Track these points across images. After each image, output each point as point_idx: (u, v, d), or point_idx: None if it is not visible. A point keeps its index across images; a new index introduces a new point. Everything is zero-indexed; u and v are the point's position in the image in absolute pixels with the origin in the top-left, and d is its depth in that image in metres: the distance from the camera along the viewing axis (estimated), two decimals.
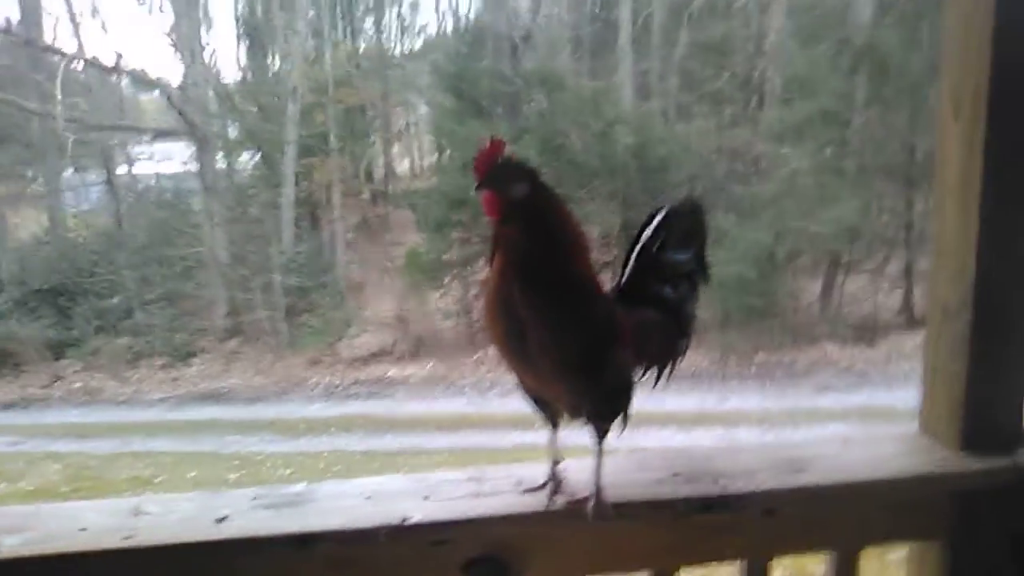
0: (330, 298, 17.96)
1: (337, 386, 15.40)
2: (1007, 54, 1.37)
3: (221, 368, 16.55)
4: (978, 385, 1.49)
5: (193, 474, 11.32)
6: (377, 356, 16.36)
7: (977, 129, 1.42)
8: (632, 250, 1.47)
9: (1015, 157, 1.43)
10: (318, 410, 14.25)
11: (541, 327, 1.24)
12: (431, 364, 15.75)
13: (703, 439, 11.21)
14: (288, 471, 11.44)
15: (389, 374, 15.68)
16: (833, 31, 16.44)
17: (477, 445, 11.75)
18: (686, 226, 1.49)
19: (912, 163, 15.27)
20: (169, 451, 12.39)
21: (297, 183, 19.15)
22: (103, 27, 21.90)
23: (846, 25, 16.67)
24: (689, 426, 11.73)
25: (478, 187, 1.25)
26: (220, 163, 20.24)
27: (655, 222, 1.46)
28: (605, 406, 1.34)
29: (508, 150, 1.27)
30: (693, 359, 14.09)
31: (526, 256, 1.24)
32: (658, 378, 1.49)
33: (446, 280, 17.17)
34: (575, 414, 1.36)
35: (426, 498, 1.36)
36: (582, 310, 1.27)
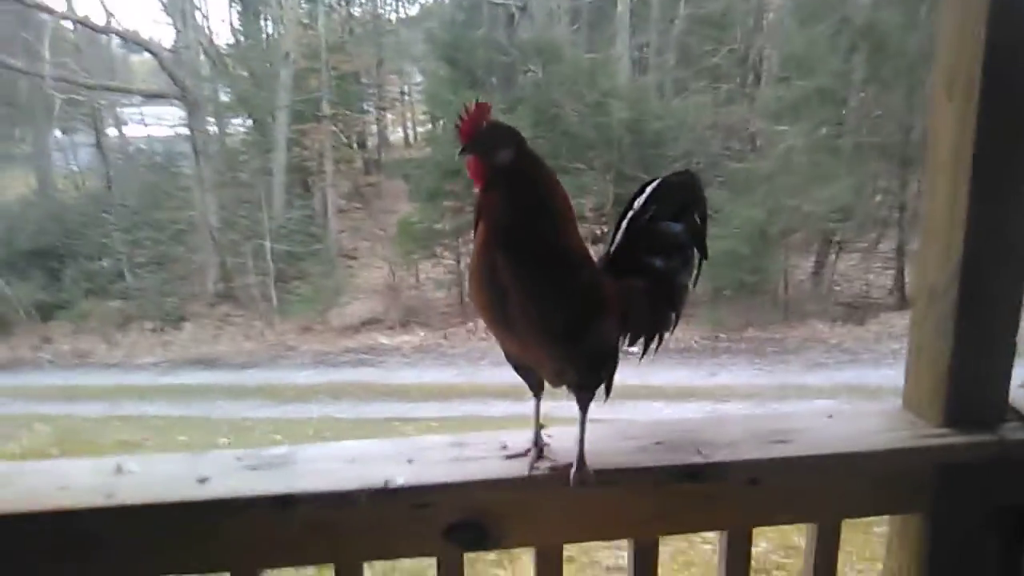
0: (321, 265, 17.92)
1: (327, 353, 15.40)
2: (1001, 36, 1.36)
3: (212, 333, 16.53)
4: (962, 362, 1.50)
5: (183, 438, 11.35)
6: (368, 324, 16.37)
7: (970, 109, 1.41)
8: (623, 218, 1.45)
9: (1007, 138, 1.42)
10: (308, 377, 14.26)
11: (523, 295, 1.23)
12: (422, 333, 15.77)
13: (691, 413, 11.29)
14: (277, 436, 11.49)
15: (380, 342, 15.69)
16: (832, 10, 16.34)
17: (467, 414, 11.81)
18: (681, 198, 1.47)
19: (908, 143, 15.27)
20: (159, 415, 12.40)
21: (289, 149, 19.01)
22: None
23: (846, 4, 16.57)
24: (678, 400, 11.81)
25: (462, 151, 1.24)
26: (211, 127, 20.04)
27: (647, 191, 1.44)
28: (588, 374, 1.34)
29: (494, 114, 1.25)
30: (684, 333, 14.25)
31: (509, 223, 1.23)
32: (645, 350, 1.49)
33: (438, 250, 17.14)
34: (558, 381, 1.36)
35: (409, 462, 1.36)
36: (565, 278, 1.27)
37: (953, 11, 1.44)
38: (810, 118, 14.67)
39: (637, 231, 1.44)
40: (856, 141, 15.90)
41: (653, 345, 1.50)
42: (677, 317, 1.51)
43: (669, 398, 11.80)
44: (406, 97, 26.38)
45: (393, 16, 27.07)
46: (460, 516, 1.36)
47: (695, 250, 1.50)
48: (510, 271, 1.22)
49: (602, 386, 1.37)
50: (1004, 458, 1.49)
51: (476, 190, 1.28)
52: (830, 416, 1.61)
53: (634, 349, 1.47)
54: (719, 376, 13.16)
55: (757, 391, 12.44)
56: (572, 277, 1.28)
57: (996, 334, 1.52)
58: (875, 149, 15.92)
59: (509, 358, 1.39)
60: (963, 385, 1.51)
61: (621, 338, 1.41)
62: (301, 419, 12.14)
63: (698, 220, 1.50)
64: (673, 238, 1.46)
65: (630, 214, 1.44)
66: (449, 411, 12.12)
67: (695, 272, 1.52)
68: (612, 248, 1.45)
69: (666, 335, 1.51)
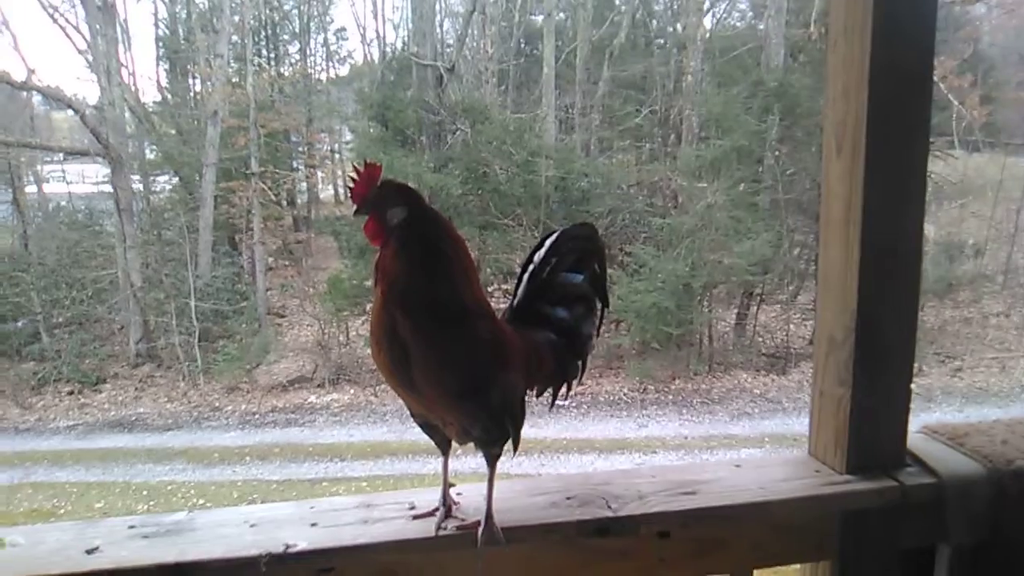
0: (248, 324, 17.52)
1: (254, 414, 14.98)
2: (882, 95, 1.45)
3: (133, 395, 15.93)
4: (862, 409, 1.55)
5: (99, 505, 10.89)
6: (296, 383, 16.02)
7: (857, 165, 1.48)
8: (524, 271, 1.47)
9: (892, 192, 1.49)
10: (234, 438, 13.84)
11: (423, 353, 1.22)
12: (352, 391, 15.50)
13: (622, 465, 11.33)
14: (201, 501, 11.08)
15: (309, 401, 15.35)
16: (746, 74, 17.14)
17: (399, 472, 11.62)
18: (580, 249, 1.50)
19: (820, 198, 15.88)
20: (75, 481, 11.92)
21: (216, 207, 18.72)
22: (14, 42, 20.91)
23: (759, 68, 17.41)
24: (608, 452, 11.85)
25: (356, 212, 1.24)
26: (136, 184, 19.61)
27: (547, 244, 1.47)
28: (492, 430, 1.33)
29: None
30: (613, 386, 14.36)
31: (405, 281, 1.23)
32: (553, 400, 1.49)
33: (368, 307, 16.91)
34: (464, 439, 1.35)
35: (313, 525, 1.32)
36: (464, 334, 1.26)
37: (838, 74, 1.53)
38: (729, 176, 15.20)
39: (539, 283, 1.46)
40: (773, 197, 16.54)
41: (562, 392, 1.50)
42: (584, 365, 1.52)
43: (600, 450, 11.84)
44: (336, 155, 26.37)
45: (323, 76, 27.25)
46: None
47: (597, 300, 1.52)
48: (408, 329, 1.22)
49: (507, 441, 1.35)
50: (906, 502, 1.52)
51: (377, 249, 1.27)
52: (738, 465, 1.63)
53: (541, 400, 1.47)
54: (648, 428, 13.28)
55: (685, 442, 12.58)
56: (471, 332, 1.27)
57: (892, 381, 1.57)
58: (791, 204, 16.58)
59: (415, 417, 1.38)
60: (864, 432, 1.56)
61: (528, 390, 1.40)
62: (226, 482, 11.77)
63: (598, 270, 1.52)
64: (575, 288, 1.49)
65: (531, 267, 1.46)
66: (380, 470, 11.91)
67: (598, 321, 1.53)
68: (515, 301, 1.46)
69: (575, 383, 1.52)
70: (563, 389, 1.51)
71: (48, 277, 17.87)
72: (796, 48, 17.83)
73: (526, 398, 1.40)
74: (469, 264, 1.32)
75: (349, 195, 1.24)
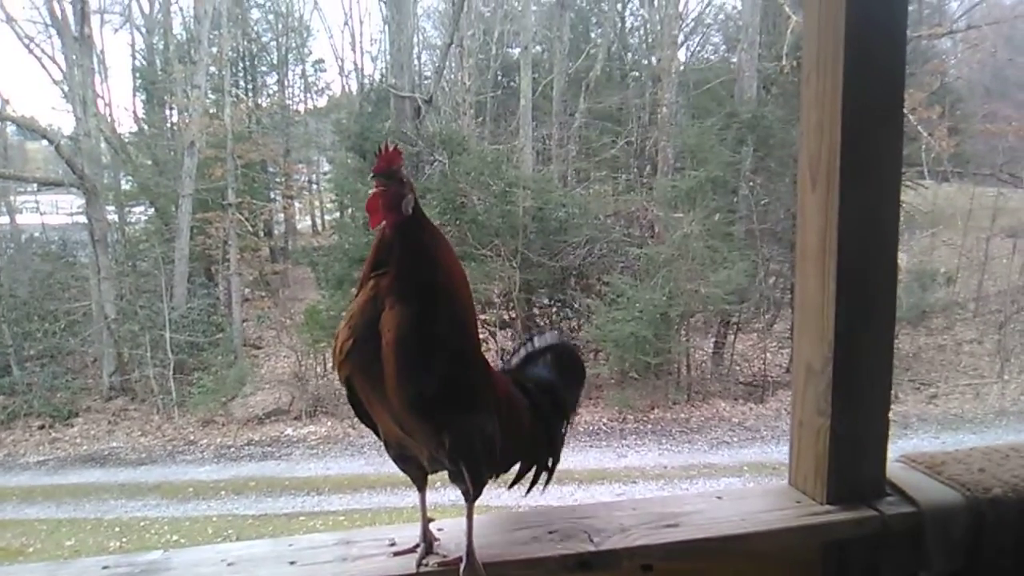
0: (223, 356, 17.31)
1: (230, 447, 14.76)
2: (854, 128, 1.48)
3: (105, 428, 15.64)
4: (841, 440, 1.55)
5: (69, 543, 10.65)
6: (273, 416, 15.82)
7: (832, 198, 1.50)
8: (523, 345, 1.57)
9: (867, 224, 1.52)
10: (209, 472, 13.61)
11: (402, 344, 1.18)
12: (329, 423, 15.33)
13: (602, 496, 11.28)
14: (175, 537, 10.86)
15: (285, 433, 15.16)
16: (720, 105, 17.41)
17: (377, 505, 11.48)
18: (569, 369, 1.58)
19: (795, 228, 16.05)
20: (45, 518, 11.67)
21: (192, 237, 18.60)
22: None
23: (732, 100, 17.69)
24: (589, 483, 11.79)
25: (375, 175, 1.23)
26: (111, 215, 19.45)
27: (550, 340, 1.56)
28: (464, 457, 1.28)
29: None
30: (592, 416, 14.33)
31: (411, 273, 1.22)
32: (515, 480, 1.51)
33: None
34: (434, 465, 1.32)
35: (292, 563, 1.30)
36: (446, 331, 1.23)
37: (812, 108, 1.56)
38: (704, 206, 15.36)
39: (532, 364, 1.54)
40: (748, 227, 16.73)
41: (528, 475, 1.51)
42: (553, 461, 1.54)
43: (580, 481, 11.78)
44: (314, 186, 26.38)
45: (301, 107, 27.35)
46: None
47: (559, 429, 1.56)
48: (395, 319, 1.19)
49: (481, 473, 1.33)
50: (886, 532, 1.53)
51: (373, 226, 1.26)
52: (719, 497, 1.63)
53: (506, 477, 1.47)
54: (628, 457, 13.25)
55: (665, 472, 12.56)
56: (450, 332, 1.25)
57: (871, 410, 1.58)
58: (766, 234, 16.76)
59: (389, 449, 1.35)
60: (844, 461, 1.56)
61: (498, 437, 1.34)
62: (201, 517, 11.57)
63: (570, 384, 1.58)
64: (559, 391, 1.54)
65: (530, 347, 1.55)
66: (358, 503, 11.76)
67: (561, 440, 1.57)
68: (512, 361, 1.53)
69: (542, 477, 1.53)
70: (530, 473, 1.51)
71: (20, 309, 17.58)
72: (769, 80, 18.16)
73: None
74: (462, 271, 1.33)
75: (374, 160, 1.24)
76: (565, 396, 1.55)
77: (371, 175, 1.24)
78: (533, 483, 1.52)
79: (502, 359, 1.57)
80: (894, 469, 1.64)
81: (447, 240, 1.31)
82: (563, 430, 1.56)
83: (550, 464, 1.54)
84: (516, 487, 1.51)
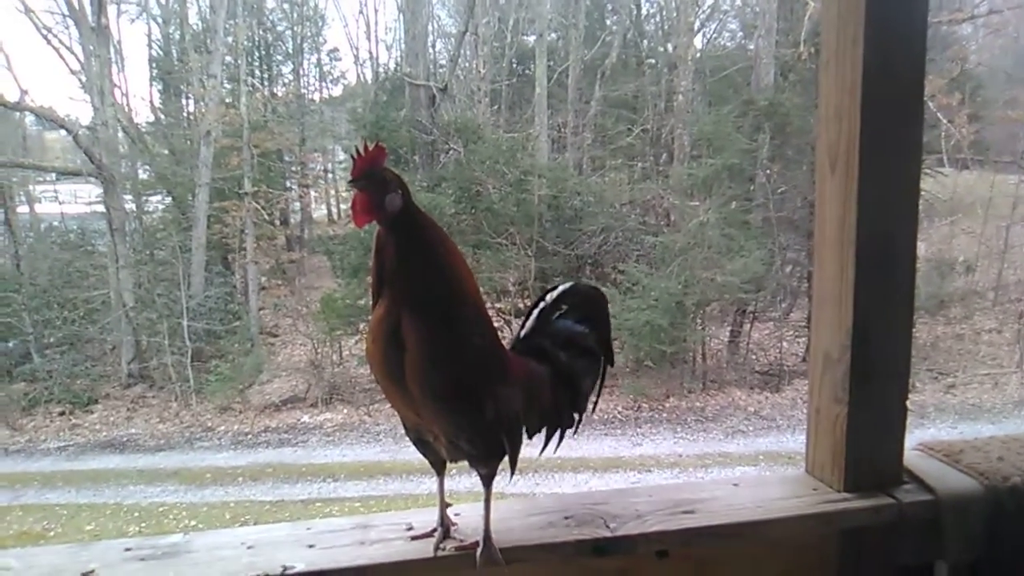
0: (240, 343, 17.44)
1: (247, 434, 14.89)
2: (875, 114, 1.46)
3: (124, 415, 15.81)
4: (858, 427, 1.55)
5: (90, 527, 10.79)
6: (289, 403, 15.93)
7: (851, 183, 1.49)
8: (534, 308, 1.50)
9: (886, 210, 1.51)
10: (226, 459, 13.74)
11: (418, 347, 1.20)
12: (345, 411, 15.42)
13: (617, 484, 11.30)
14: (193, 522, 10.99)
15: (302, 421, 15.27)
16: (737, 93, 17.26)
17: (393, 492, 11.55)
18: (591, 308, 1.53)
19: (812, 217, 15.92)
20: (65, 503, 11.81)
21: (209, 226, 18.70)
22: (7, 62, 20.93)
23: (749, 88, 17.54)
24: (604, 471, 11.81)
25: (351, 182, 1.22)
26: (129, 204, 19.58)
27: (560, 289, 1.50)
28: (478, 443, 1.30)
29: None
30: (607, 404, 14.32)
31: (409, 278, 1.23)
32: (544, 446, 1.49)
33: (362, 326, 16.92)
34: (455, 453, 1.33)
35: (310, 546, 1.32)
36: (461, 331, 1.25)
37: (831, 95, 1.54)
38: (720, 194, 15.28)
39: (548, 323, 1.49)
40: (764, 215, 16.61)
41: (553, 440, 1.49)
42: (579, 419, 1.53)
43: (595, 469, 11.80)
44: (329, 175, 26.41)
45: (316, 96, 27.35)
46: None
47: (603, 357, 1.54)
48: (411, 326, 1.20)
49: (500, 458, 1.34)
50: (903, 520, 1.52)
51: (368, 225, 1.25)
52: (736, 484, 1.63)
53: (533, 441, 1.46)
54: (643, 446, 13.25)
55: (680, 460, 12.55)
56: (468, 334, 1.26)
57: (889, 398, 1.57)
58: (783, 222, 16.65)
59: (409, 432, 1.37)
60: (860, 449, 1.56)
61: (522, 416, 1.38)
62: (219, 503, 11.68)
63: (604, 334, 1.55)
64: (582, 338, 1.51)
65: (542, 304, 1.49)
66: (374, 490, 11.84)
67: (600, 381, 1.55)
68: (522, 332, 1.48)
69: (568, 433, 1.52)
70: (555, 436, 1.50)
71: (40, 297, 17.78)
72: (786, 67, 17.99)
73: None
74: (461, 259, 1.32)
75: (351, 166, 1.22)
76: (593, 337, 1.52)
77: (347, 180, 1.23)
78: (561, 439, 1.51)
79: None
80: (911, 457, 1.63)
81: (442, 230, 1.30)
82: (601, 369, 1.54)
83: (576, 419, 1.53)
84: (537, 445, 1.50)
